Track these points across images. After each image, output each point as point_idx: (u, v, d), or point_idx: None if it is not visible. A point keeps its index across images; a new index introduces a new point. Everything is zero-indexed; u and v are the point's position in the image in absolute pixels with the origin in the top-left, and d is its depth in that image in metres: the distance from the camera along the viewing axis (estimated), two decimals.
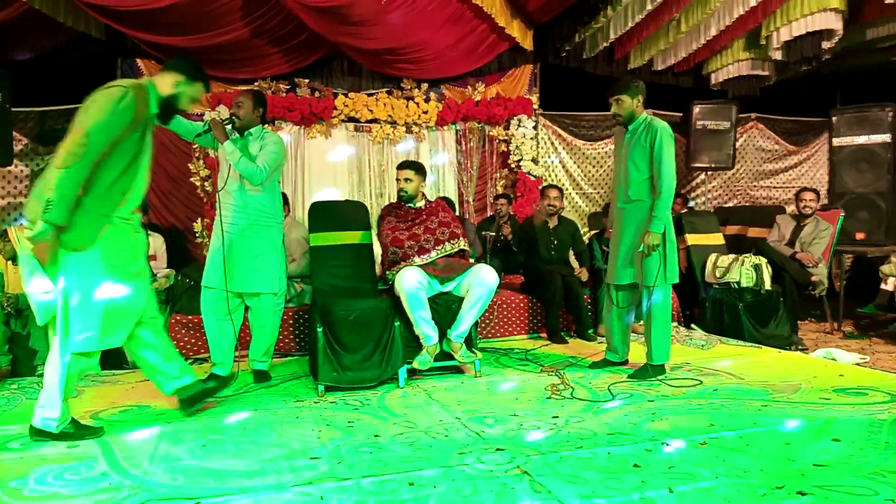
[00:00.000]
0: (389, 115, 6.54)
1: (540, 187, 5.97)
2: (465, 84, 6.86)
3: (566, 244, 5.09)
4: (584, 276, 4.99)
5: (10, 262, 4.09)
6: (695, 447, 2.55)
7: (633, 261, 3.68)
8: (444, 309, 3.75)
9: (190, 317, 4.24)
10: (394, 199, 4.19)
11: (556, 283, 4.77)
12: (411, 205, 3.97)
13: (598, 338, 4.82)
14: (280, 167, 3.68)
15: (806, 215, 5.33)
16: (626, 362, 3.92)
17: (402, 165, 4.02)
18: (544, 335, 4.90)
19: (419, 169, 3.99)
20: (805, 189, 5.44)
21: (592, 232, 6.00)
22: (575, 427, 2.83)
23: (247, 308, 3.71)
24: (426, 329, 3.62)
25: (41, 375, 3.86)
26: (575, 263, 5.15)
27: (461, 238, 3.92)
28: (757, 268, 4.90)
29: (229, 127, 3.52)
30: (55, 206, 2.51)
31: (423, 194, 4.07)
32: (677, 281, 3.71)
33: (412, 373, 3.64)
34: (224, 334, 3.61)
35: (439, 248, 3.84)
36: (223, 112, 5.77)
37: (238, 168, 3.44)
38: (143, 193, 2.89)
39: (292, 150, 6.41)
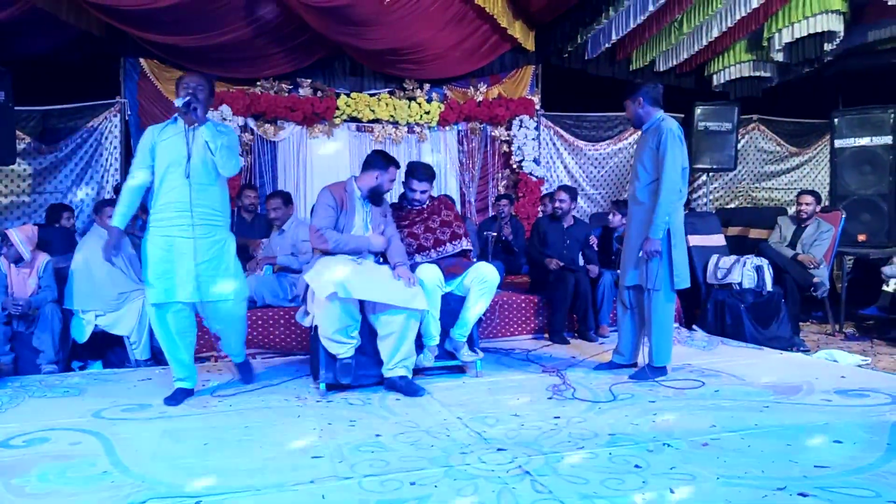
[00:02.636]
0: (391, 116, 6.55)
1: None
2: (467, 85, 6.87)
3: (578, 245, 5.09)
4: (594, 271, 4.99)
5: (13, 265, 4.07)
6: (696, 448, 2.55)
7: (637, 262, 3.65)
8: (446, 308, 3.74)
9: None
10: (396, 199, 4.18)
11: (568, 284, 4.77)
12: (413, 204, 3.92)
13: (600, 339, 4.82)
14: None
15: (802, 219, 5.32)
16: (634, 365, 3.83)
17: (416, 176, 3.80)
18: (546, 335, 4.90)
19: (430, 177, 3.87)
20: (803, 192, 5.44)
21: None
22: (576, 427, 2.82)
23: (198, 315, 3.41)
24: (432, 328, 3.62)
25: (47, 373, 3.88)
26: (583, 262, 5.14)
27: (463, 238, 3.86)
28: (758, 269, 4.90)
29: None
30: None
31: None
32: (687, 286, 3.65)
33: (414, 372, 3.64)
34: (185, 347, 3.33)
35: (440, 248, 3.80)
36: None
37: (221, 155, 3.08)
38: None
39: (294, 149, 6.42)
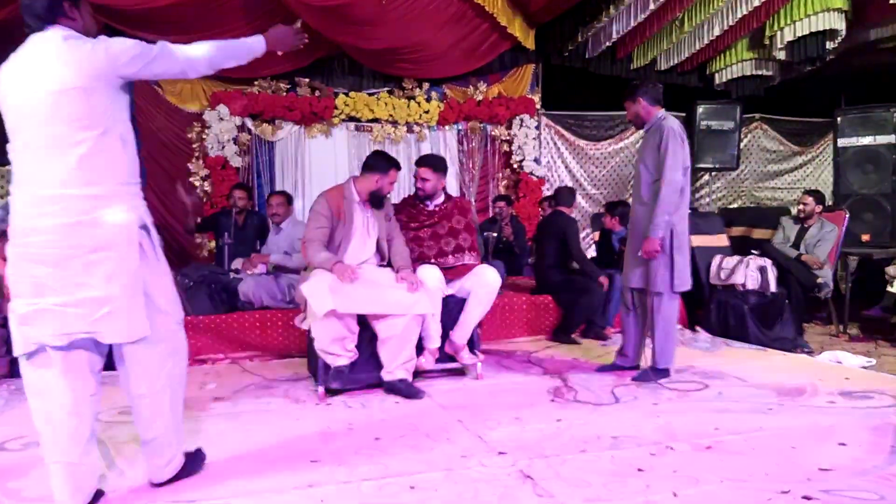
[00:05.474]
0: (390, 115, 6.52)
1: None
2: (466, 84, 6.84)
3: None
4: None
5: None
6: (699, 451, 2.52)
7: (640, 264, 3.61)
8: (447, 311, 3.71)
9: (188, 318, 4.20)
10: (400, 199, 4.13)
11: (596, 291, 4.73)
12: (426, 203, 3.87)
13: (605, 340, 4.78)
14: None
15: (801, 218, 5.30)
16: (637, 367, 3.77)
17: (419, 162, 3.87)
18: (548, 337, 4.87)
19: (436, 166, 3.80)
20: (806, 192, 5.41)
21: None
22: (578, 430, 2.80)
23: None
24: (433, 330, 3.58)
25: None
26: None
27: (467, 253, 3.80)
28: (762, 270, 4.86)
29: None
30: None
31: (444, 191, 3.93)
32: (688, 288, 3.61)
33: (414, 375, 3.61)
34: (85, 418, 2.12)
35: (441, 260, 3.75)
36: None
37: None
38: None
39: (292, 149, 6.40)
